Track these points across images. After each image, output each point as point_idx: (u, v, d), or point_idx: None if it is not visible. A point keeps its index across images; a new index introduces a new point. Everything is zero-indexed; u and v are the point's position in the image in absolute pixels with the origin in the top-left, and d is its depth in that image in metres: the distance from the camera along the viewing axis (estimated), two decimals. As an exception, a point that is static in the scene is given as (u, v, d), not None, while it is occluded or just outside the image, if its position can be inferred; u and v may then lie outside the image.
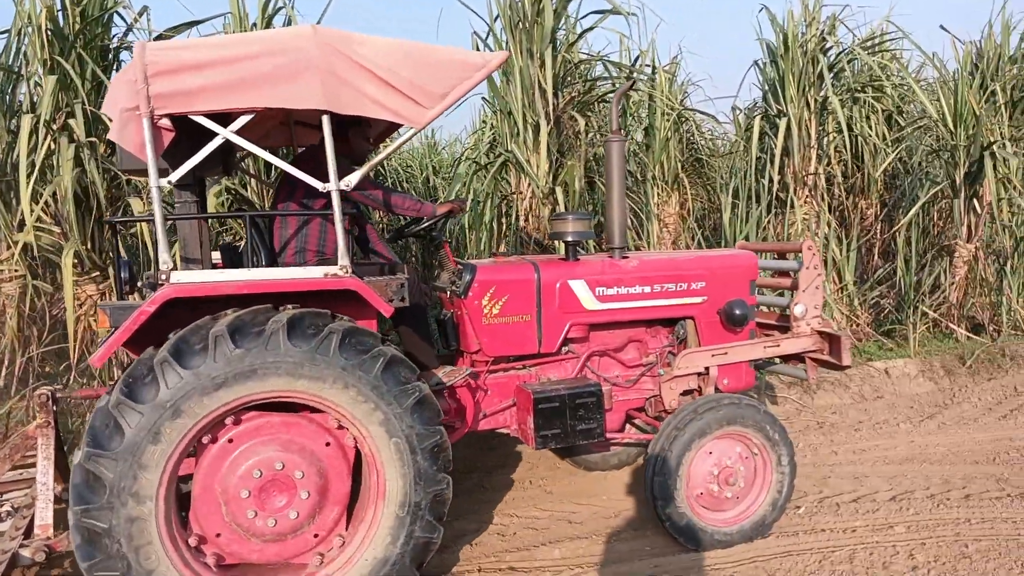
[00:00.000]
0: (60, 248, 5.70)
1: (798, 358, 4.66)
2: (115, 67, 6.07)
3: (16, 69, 5.79)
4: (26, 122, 5.41)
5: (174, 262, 3.22)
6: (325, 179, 3.36)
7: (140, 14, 6.05)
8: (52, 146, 5.57)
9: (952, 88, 8.29)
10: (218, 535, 3.23)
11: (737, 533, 4.01)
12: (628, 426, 4.71)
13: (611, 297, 4.24)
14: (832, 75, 8.15)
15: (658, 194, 7.98)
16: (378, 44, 3.24)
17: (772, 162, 7.77)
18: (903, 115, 9.07)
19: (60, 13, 5.67)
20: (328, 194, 3.36)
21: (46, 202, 5.58)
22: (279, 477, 3.24)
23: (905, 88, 8.93)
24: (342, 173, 3.38)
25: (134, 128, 3.13)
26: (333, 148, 3.28)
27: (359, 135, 4.34)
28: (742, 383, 4.50)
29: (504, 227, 7.38)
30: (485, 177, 7.09)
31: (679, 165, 8.10)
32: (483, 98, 7.68)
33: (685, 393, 4.38)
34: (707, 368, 4.33)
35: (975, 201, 8.18)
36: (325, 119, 3.22)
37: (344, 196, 3.47)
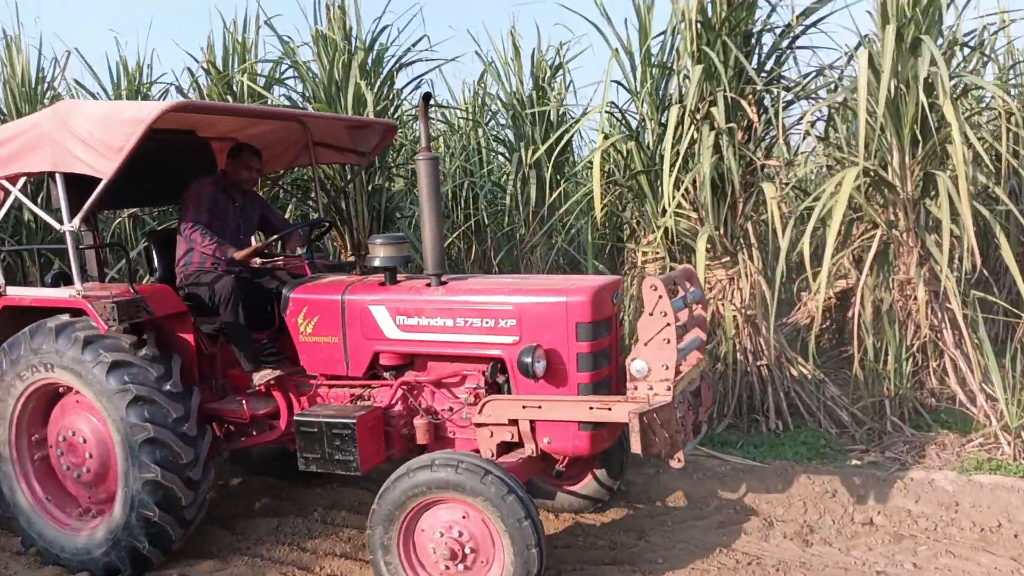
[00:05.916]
0: (695, 232, 5.92)
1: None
2: (756, 52, 6.02)
3: (669, 64, 6.19)
4: (674, 113, 5.71)
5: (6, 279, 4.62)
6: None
7: (781, -8, 5.84)
8: (695, 135, 5.78)
9: None
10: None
11: None
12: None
13: (412, 327, 4.05)
14: None
15: None
16: (89, 112, 4.03)
17: None
18: None
19: (708, 5, 5.83)
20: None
21: (686, 189, 5.83)
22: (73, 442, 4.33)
23: None
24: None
25: None
26: (66, 195, 4.09)
27: (239, 165, 4.82)
28: (569, 446, 3.83)
29: None
30: None
31: None
32: None
33: (505, 446, 3.89)
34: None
35: None
36: (58, 176, 4.10)
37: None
